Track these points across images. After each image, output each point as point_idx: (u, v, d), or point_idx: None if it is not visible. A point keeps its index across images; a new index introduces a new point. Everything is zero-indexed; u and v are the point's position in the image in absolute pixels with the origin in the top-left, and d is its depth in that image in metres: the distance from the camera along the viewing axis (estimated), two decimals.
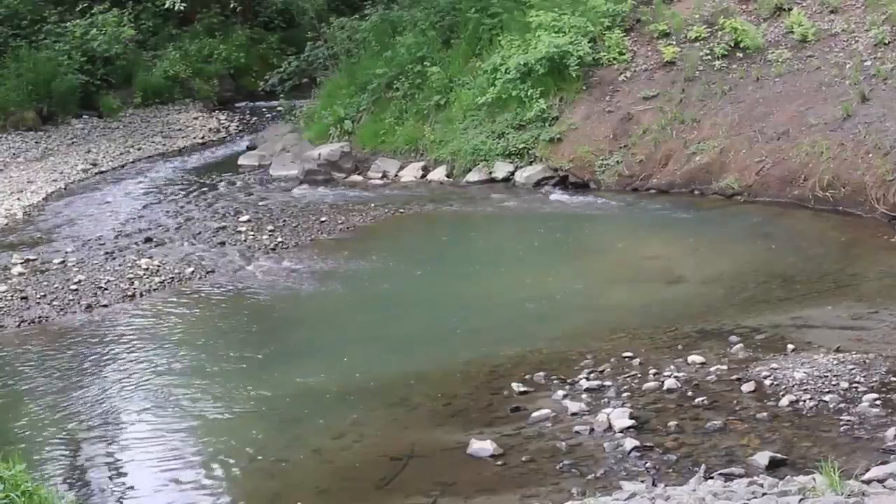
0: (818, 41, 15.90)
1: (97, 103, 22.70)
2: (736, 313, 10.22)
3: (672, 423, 7.73)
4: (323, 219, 14.84)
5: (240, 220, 14.86)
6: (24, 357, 10.31)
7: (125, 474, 7.88)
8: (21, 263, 12.79)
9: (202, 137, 21.93)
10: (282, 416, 8.67)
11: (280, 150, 19.04)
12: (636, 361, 9.01)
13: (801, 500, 5.41)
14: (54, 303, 11.57)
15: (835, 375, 8.22)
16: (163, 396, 9.19)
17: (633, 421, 7.75)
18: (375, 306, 11.57)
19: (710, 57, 16.37)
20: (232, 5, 27.40)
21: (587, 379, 8.70)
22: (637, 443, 7.40)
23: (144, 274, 12.40)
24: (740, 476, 6.55)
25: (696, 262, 12.36)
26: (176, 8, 20.68)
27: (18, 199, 16.61)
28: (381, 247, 13.71)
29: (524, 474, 7.24)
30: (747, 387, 8.24)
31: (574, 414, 8.04)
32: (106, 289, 11.96)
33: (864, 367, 8.34)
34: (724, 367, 8.72)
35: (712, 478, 6.62)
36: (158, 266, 12.65)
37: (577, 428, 7.79)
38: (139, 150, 20.47)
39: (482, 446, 7.56)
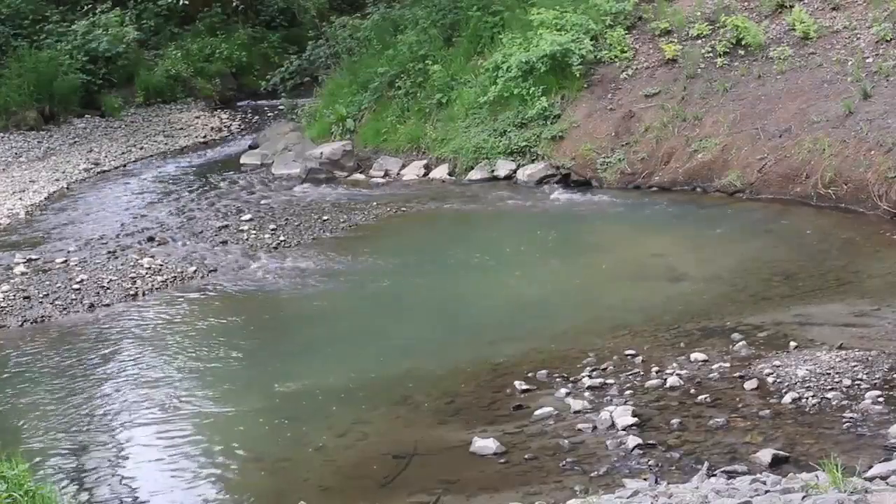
0: (820, 38, 15.88)
1: (99, 103, 22.69)
2: (738, 311, 10.21)
3: (675, 421, 7.73)
4: (325, 217, 14.84)
5: (242, 218, 14.86)
6: (26, 356, 10.31)
7: (128, 473, 7.87)
8: (23, 263, 12.78)
9: (204, 136, 21.92)
10: (284, 415, 8.68)
11: (282, 148, 19.04)
12: (639, 359, 9.01)
13: (804, 497, 5.40)
14: (57, 302, 11.58)
15: (837, 373, 8.21)
16: (164, 395, 9.19)
17: (635, 419, 7.75)
18: (377, 305, 11.58)
19: (711, 54, 16.35)
20: (234, 4, 27.37)
21: (590, 377, 8.70)
22: (640, 440, 7.41)
23: (147, 273, 12.40)
24: (743, 473, 6.55)
25: (698, 260, 12.36)
26: (179, 4, 20.62)
27: (21, 198, 16.63)
28: (383, 245, 13.70)
29: (527, 472, 7.25)
30: (750, 384, 8.24)
31: (577, 412, 8.05)
32: (108, 288, 11.97)
33: (867, 364, 8.33)
34: (727, 364, 8.72)
35: (715, 475, 6.62)
36: (161, 265, 12.65)
37: (579, 426, 7.80)
38: (141, 149, 20.47)
39: (485, 444, 7.56)
